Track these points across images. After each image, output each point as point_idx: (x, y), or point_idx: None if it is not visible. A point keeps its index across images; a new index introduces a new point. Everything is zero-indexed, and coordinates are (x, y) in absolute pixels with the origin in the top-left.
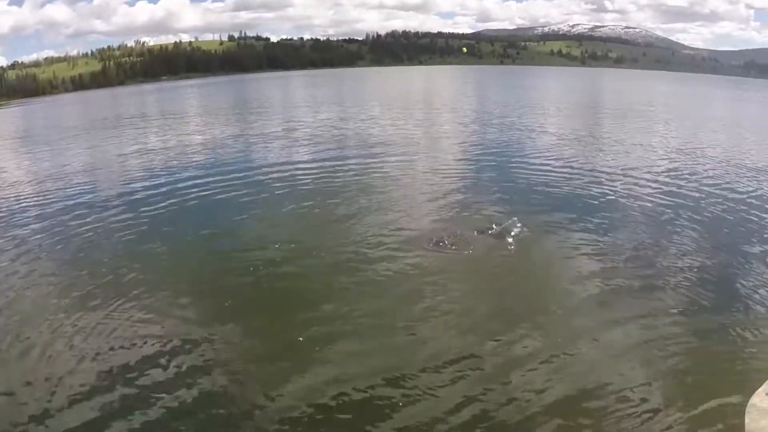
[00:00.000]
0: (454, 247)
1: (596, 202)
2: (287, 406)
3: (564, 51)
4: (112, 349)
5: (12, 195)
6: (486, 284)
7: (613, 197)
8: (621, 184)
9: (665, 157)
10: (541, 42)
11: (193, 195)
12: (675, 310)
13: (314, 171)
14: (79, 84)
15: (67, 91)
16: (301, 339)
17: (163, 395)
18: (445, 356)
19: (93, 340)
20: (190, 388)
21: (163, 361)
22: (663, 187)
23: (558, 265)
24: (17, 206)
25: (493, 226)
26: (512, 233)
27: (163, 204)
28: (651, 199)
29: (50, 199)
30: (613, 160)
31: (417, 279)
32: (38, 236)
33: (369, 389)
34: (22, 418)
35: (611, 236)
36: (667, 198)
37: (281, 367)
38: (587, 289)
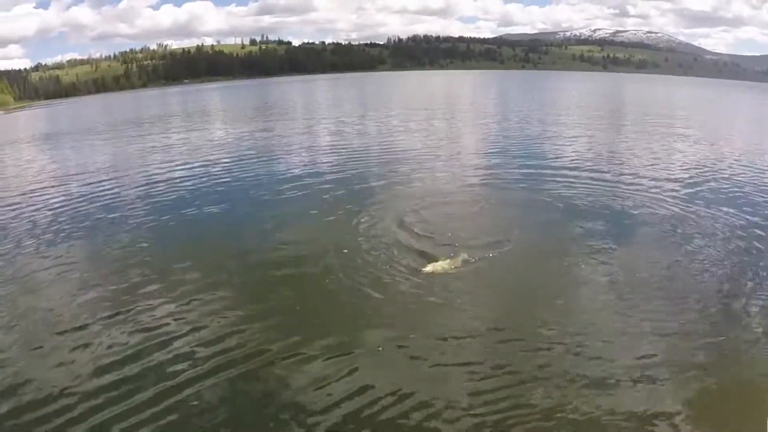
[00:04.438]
0: (473, 255)
1: (628, 212)
2: (312, 403)
3: (586, 55)
4: (138, 339)
5: (40, 190)
6: (501, 292)
7: (641, 205)
8: (649, 190)
9: (701, 162)
10: (563, 46)
11: (217, 193)
12: (696, 322)
13: (337, 175)
14: (101, 86)
15: (89, 93)
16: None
17: (185, 388)
18: (473, 362)
19: (117, 330)
20: (214, 381)
21: (185, 353)
22: (697, 193)
23: (575, 276)
24: (45, 201)
25: (510, 234)
26: (529, 241)
27: (186, 199)
28: (681, 204)
29: (77, 195)
30: (645, 165)
31: (443, 286)
32: (67, 233)
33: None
34: (46, 405)
35: (632, 246)
36: (701, 203)
37: (306, 367)
38: (604, 299)
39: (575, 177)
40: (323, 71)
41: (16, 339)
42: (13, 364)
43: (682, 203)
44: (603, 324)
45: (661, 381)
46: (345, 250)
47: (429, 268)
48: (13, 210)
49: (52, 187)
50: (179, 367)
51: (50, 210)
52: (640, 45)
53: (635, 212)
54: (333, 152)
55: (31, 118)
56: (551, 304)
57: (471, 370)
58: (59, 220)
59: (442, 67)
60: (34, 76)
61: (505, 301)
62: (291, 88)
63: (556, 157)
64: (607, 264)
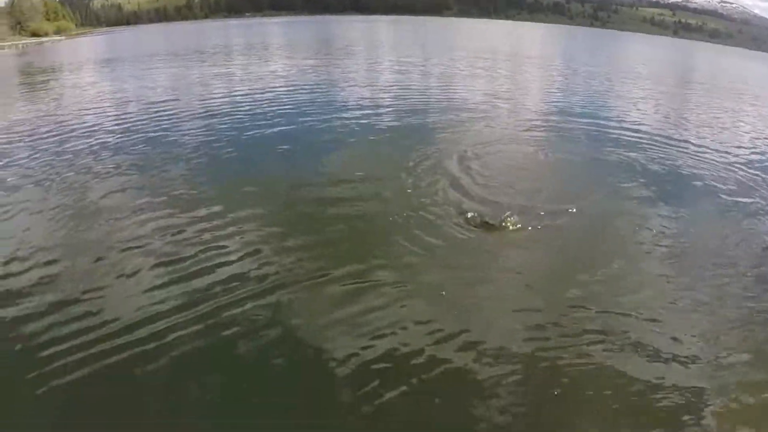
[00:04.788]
0: (533, 211)
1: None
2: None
3: (657, 18)
4: (187, 258)
5: (99, 110)
6: (559, 255)
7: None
8: (718, 157)
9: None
10: (634, 7)
11: (274, 122)
12: (741, 315)
13: (397, 112)
14: (163, 15)
15: (151, 21)
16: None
17: (235, 307)
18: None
19: (167, 248)
20: (264, 302)
21: (238, 274)
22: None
23: (640, 245)
24: (104, 121)
25: (571, 193)
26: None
27: (244, 126)
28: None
29: (135, 117)
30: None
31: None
32: (124, 151)
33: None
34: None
35: (700, 215)
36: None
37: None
38: (670, 272)
39: (641, 137)
40: (386, 13)
41: (70, 251)
42: (69, 275)
43: (751, 175)
44: (665, 299)
45: (720, 364)
46: (409, 190)
47: (486, 221)
48: (72, 130)
49: (111, 107)
50: (229, 286)
51: (108, 131)
52: (713, 14)
53: (703, 179)
54: (394, 90)
55: (92, 44)
56: (611, 271)
57: (527, 322)
58: (117, 139)
59: (508, 18)
60: (96, 3)
61: (562, 264)
62: (354, 27)
63: (622, 117)
64: (675, 235)
